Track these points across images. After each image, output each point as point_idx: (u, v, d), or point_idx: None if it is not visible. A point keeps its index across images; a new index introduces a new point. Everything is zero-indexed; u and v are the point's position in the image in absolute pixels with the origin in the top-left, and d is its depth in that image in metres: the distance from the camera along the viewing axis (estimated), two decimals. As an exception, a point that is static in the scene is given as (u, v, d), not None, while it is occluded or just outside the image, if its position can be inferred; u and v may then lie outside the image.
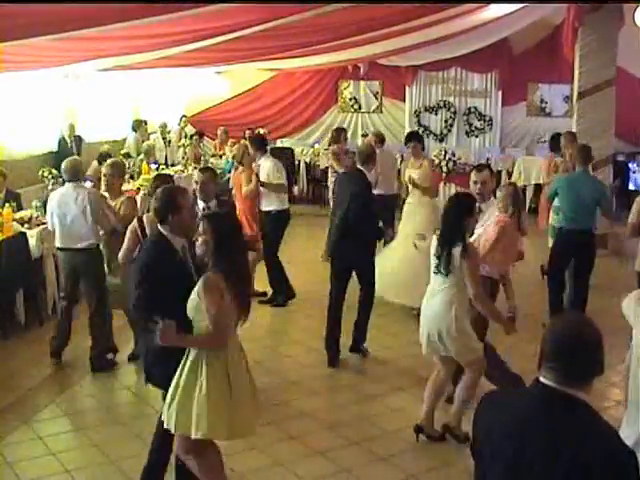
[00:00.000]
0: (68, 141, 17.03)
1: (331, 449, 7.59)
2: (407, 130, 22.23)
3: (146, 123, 20.06)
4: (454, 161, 19.27)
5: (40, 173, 13.86)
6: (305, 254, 12.75)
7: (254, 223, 11.71)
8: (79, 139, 17.39)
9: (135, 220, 8.43)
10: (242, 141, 15.25)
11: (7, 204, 11.66)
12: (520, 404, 3.63)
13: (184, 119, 21.96)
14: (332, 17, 11.41)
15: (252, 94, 23.54)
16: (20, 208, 12.22)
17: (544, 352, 3.50)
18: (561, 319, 3.80)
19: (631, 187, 19.31)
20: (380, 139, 14.48)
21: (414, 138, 12.71)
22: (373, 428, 8.01)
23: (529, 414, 3.53)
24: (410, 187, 12.19)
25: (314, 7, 10.15)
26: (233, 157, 14.53)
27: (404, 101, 22.87)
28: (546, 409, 3.48)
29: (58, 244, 9.61)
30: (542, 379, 3.50)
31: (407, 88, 22.73)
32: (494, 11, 15.04)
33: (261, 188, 11.83)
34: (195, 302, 5.66)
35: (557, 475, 3.37)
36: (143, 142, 18.69)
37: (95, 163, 15.15)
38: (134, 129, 19.79)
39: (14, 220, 11.23)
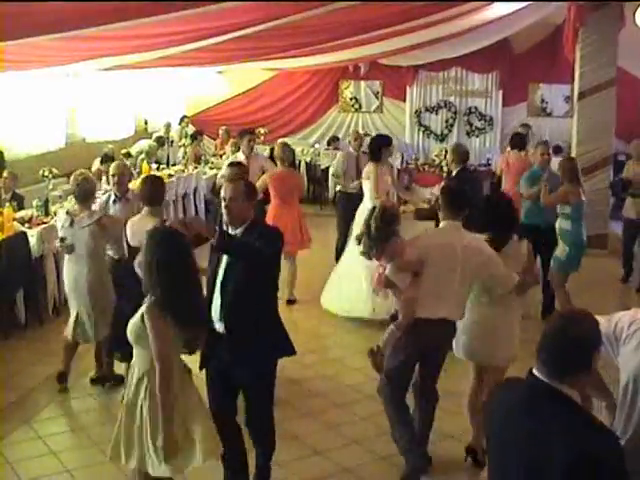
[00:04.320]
0: None
1: (332, 449, 7.61)
2: (407, 130, 22.34)
3: (164, 142, 20.02)
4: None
5: (41, 172, 13.86)
6: (307, 254, 12.69)
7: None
8: None
9: None
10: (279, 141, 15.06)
11: (7, 203, 11.69)
12: (512, 394, 3.80)
13: (185, 119, 21.96)
14: (333, 17, 11.43)
15: (253, 94, 23.51)
16: (21, 208, 12.23)
17: (538, 345, 3.61)
18: (557, 314, 3.91)
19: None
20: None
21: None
22: (374, 428, 8.03)
23: (514, 404, 3.70)
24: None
25: (315, 6, 10.15)
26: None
27: (405, 101, 22.86)
28: (529, 400, 3.63)
29: None
30: (534, 371, 3.63)
31: (408, 88, 22.69)
32: (495, 11, 15.05)
33: None
34: (139, 327, 5.37)
35: (527, 464, 3.46)
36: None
37: (97, 162, 15.18)
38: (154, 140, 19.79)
39: (15, 219, 11.24)
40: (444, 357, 7.17)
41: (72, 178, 9.14)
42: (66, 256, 8.95)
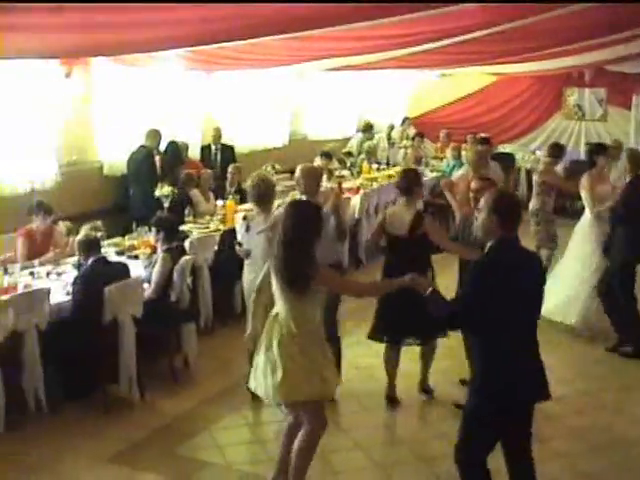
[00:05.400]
0: (212, 149, 15.44)
1: (572, 454, 7.69)
2: (632, 140, 21.66)
3: (372, 127, 20.29)
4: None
5: (264, 168, 14.22)
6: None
7: None
8: (228, 148, 15.64)
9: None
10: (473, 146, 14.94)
11: (231, 196, 12.09)
12: None
13: (407, 121, 22.08)
14: (558, 21, 11.17)
15: (475, 98, 23.41)
16: (244, 202, 12.59)
17: None
18: None
19: None
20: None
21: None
22: (613, 435, 8.12)
23: None
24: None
25: (544, 10, 9.95)
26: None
27: (630, 109, 22.19)
28: None
29: None
30: None
31: (634, 96, 22.01)
32: None
33: None
34: None
35: None
36: (365, 142, 18.99)
37: (317, 159, 15.49)
38: (362, 130, 20.14)
39: (237, 212, 11.60)
40: None
41: (249, 179, 9.00)
42: (245, 261, 8.86)
